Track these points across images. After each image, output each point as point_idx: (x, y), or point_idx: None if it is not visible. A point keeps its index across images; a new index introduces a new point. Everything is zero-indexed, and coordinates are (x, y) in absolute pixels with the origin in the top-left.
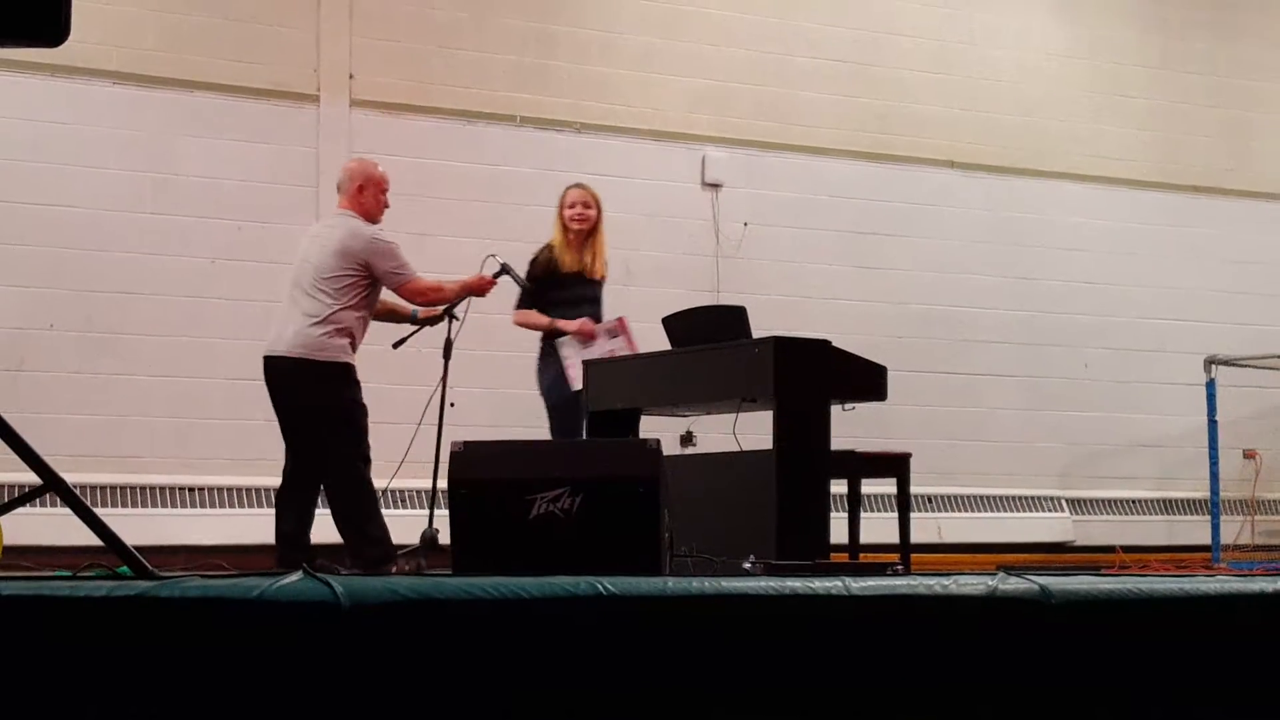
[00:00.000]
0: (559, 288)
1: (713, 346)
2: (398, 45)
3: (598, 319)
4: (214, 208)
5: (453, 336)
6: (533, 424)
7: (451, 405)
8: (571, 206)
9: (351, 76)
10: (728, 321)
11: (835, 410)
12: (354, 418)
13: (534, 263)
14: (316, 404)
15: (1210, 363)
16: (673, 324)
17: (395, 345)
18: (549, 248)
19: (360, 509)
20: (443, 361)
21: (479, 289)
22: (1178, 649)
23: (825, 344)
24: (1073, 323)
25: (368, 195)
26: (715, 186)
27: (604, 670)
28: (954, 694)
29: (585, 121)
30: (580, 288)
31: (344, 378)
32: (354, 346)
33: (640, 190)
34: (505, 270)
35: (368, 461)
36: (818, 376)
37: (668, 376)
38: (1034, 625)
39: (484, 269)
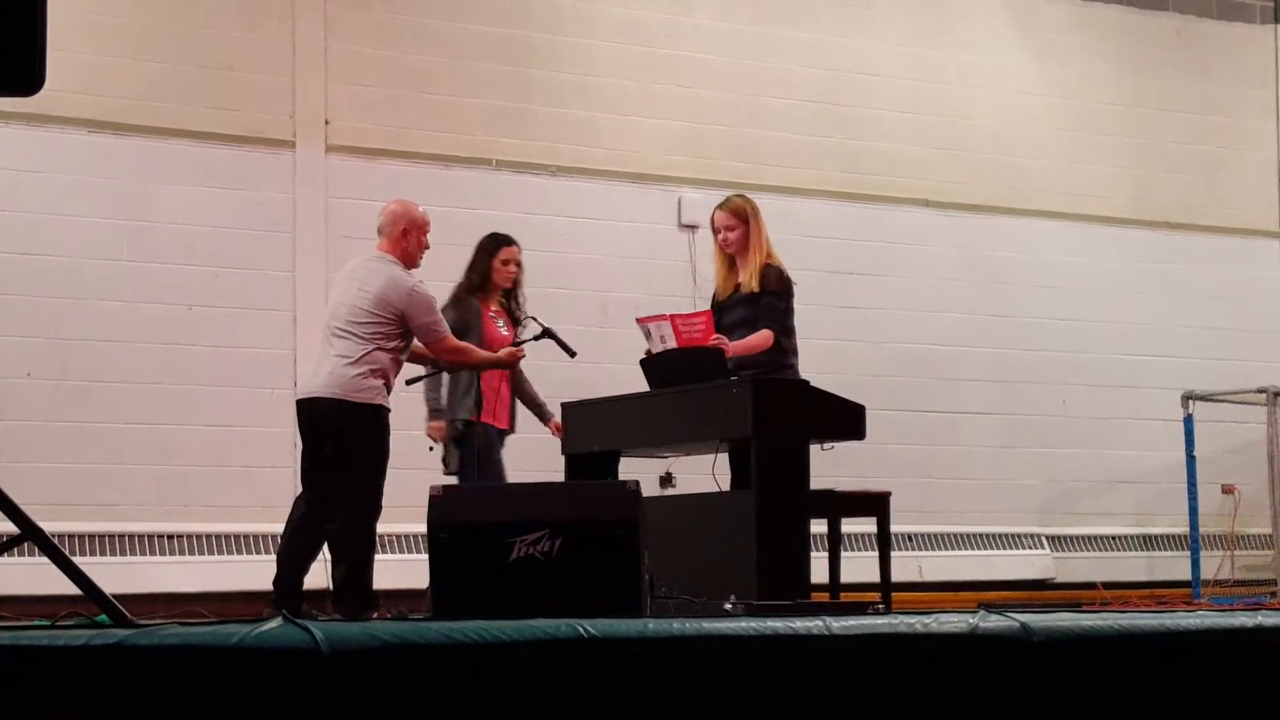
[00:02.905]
0: (722, 314)
1: (691, 388)
2: (373, 90)
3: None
4: (190, 255)
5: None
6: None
7: (430, 449)
8: (718, 232)
9: (327, 122)
10: (705, 362)
11: (814, 450)
12: (377, 465)
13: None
14: (346, 446)
15: (1188, 398)
16: (650, 366)
17: (409, 382)
18: None
19: (358, 556)
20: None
21: (510, 364)
22: (1159, 685)
23: (803, 384)
24: (1050, 360)
25: (411, 240)
26: (692, 228)
27: (586, 713)
28: None
29: (561, 164)
30: (737, 310)
31: (377, 421)
32: (388, 387)
33: (617, 232)
34: (547, 334)
35: (378, 511)
36: (796, 416)
37: (646, 418)
38: (1015, 662)
39: (523, 331)
